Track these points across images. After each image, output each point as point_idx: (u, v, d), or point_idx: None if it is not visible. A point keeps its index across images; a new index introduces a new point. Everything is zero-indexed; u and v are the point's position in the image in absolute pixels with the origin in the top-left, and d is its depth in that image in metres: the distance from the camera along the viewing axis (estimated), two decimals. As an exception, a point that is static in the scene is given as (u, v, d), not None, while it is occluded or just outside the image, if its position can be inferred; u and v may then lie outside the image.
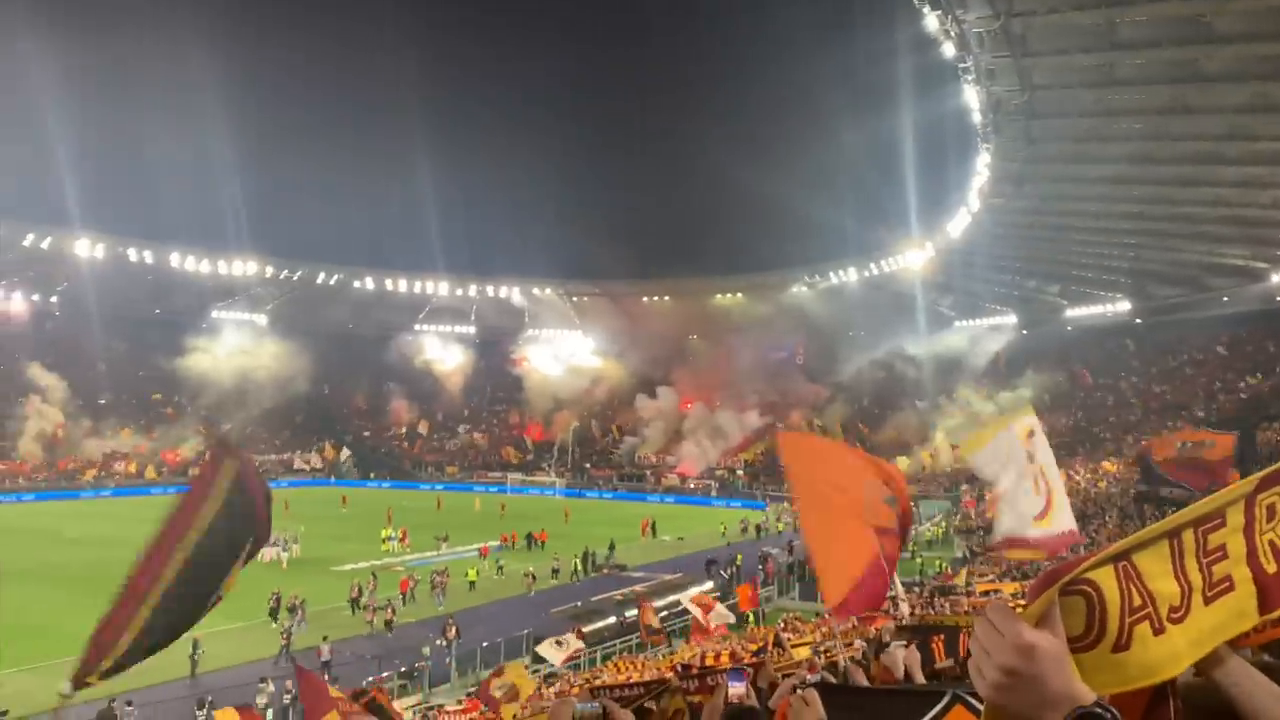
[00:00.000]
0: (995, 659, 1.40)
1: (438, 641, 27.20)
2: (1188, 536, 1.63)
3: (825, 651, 12.99)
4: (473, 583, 37.81)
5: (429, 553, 45.17)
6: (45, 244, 76.64)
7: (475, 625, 30.22)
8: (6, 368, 78.52)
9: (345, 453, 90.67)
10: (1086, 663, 1.49)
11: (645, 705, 5.92)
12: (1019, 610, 1.47)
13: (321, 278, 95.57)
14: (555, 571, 40.85)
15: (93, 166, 79.81)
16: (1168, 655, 1.54)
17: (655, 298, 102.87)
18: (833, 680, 6.68)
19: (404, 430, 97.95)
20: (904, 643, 6.64)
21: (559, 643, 22.27)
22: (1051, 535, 9.85)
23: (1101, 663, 1.51)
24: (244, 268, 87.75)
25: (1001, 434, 9.82)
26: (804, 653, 15.60)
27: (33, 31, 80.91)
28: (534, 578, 38.01)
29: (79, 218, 75.95)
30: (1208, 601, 1.61)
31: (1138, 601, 1.56)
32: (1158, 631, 1.55)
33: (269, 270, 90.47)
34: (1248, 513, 1.67)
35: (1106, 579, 1.56)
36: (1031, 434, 9.77)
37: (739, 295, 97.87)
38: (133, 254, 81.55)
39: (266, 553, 42.99)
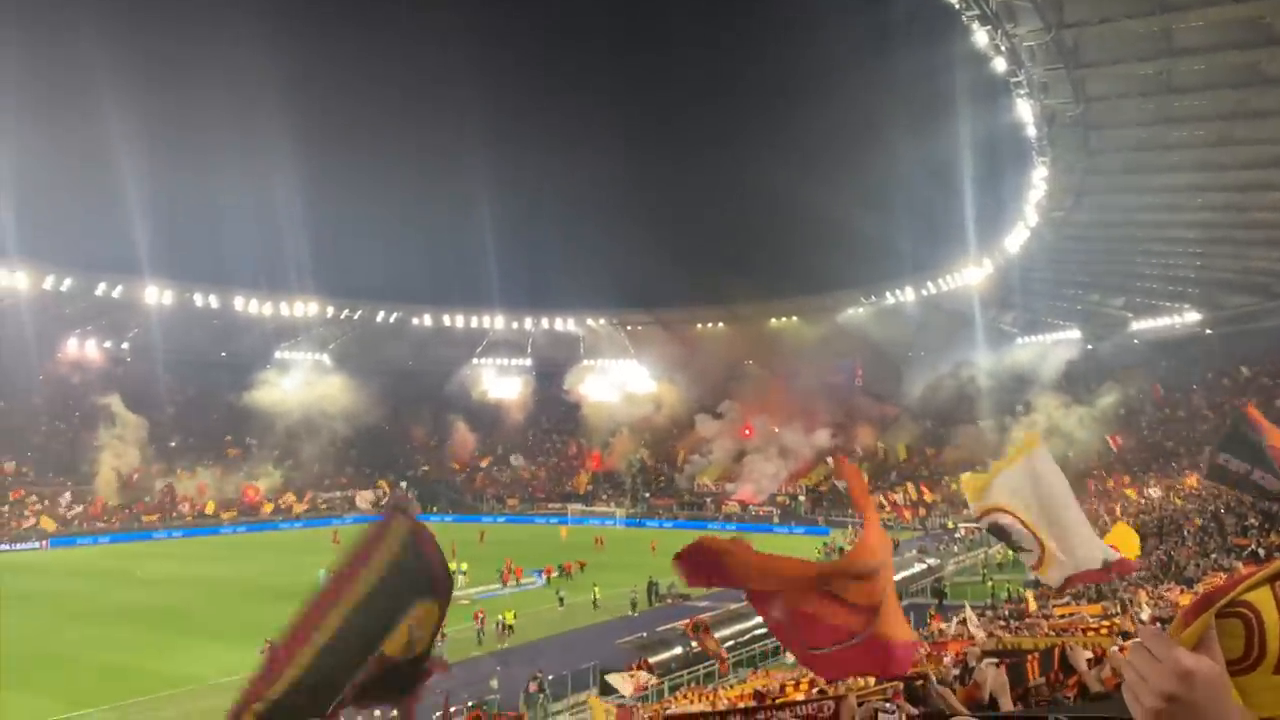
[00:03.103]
0: (1153, 685, 1.36)
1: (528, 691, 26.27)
2: None
3: (905, 677, 12.67)
4: (510, 626, 34.83)
5: (493, 585, 45.31)
6: (116, 292, 79.59)
7: (539, 658, 30.17)
8: (83, 413, 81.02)
9: (404, 486, 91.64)
10: (1247, 686, 1.45)
11: None
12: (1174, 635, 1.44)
13: (381, 316, 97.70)
14: (595, 603, 40.40)
15: (160, 216, 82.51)
16: None
17: (710, 324, 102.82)
18: (913, 709, 6.52)
19: (464, 463, 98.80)
20: (995, 661, 6.46)
21: (630, 675, 22.03)
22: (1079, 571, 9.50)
23: (1263, 685, 1.47)
24: (306, 309, 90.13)
25: (1005, 472, 9.50)
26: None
27: (100, 87, 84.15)
28: (504, 627, 34.64)
29: (147, 266, 78.95)
30: None
31: None
32: None
33: (330, 311, 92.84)
34: None
35: (1264, 600, 1.50)
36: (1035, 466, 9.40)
37: (794, 319, 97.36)
38: (199, 299, 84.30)
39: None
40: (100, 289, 78.56)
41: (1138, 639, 1.46)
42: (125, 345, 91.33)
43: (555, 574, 48.09)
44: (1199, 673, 1.35)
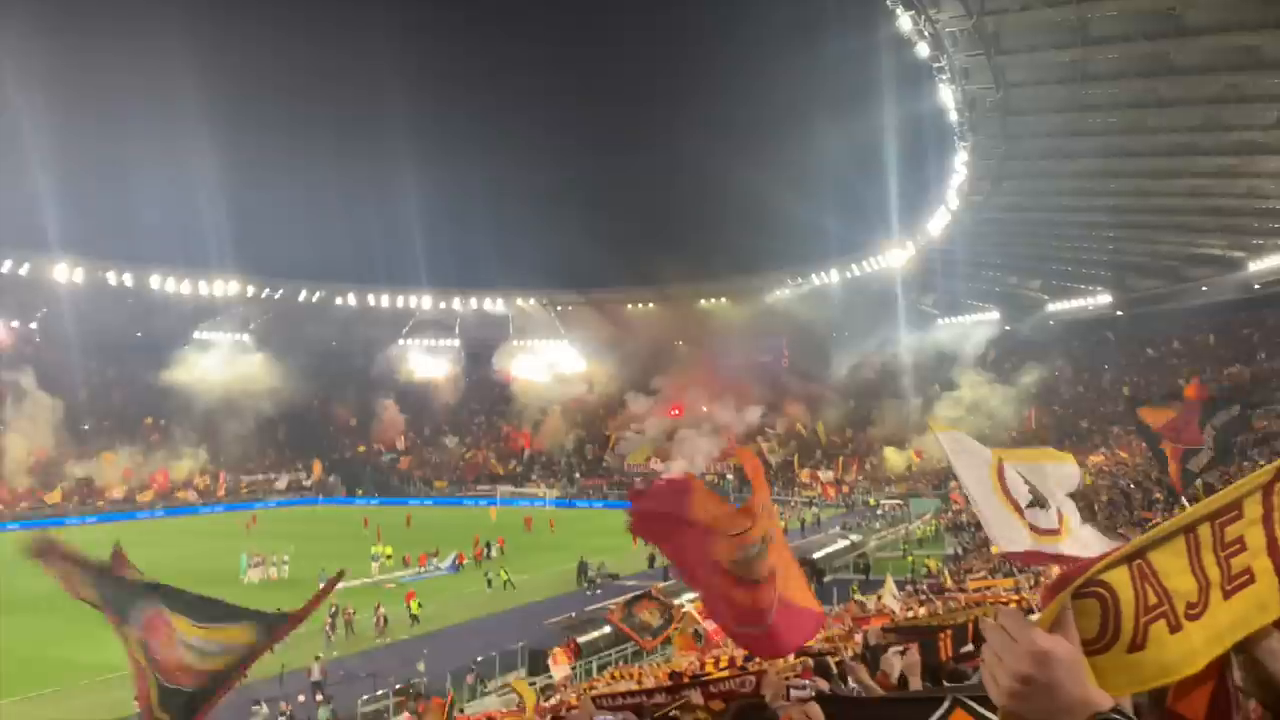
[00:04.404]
0: (1009, 666, 1.37)
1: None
2: (1204, 531, 1.60)
3: (817, 654, 12.95)
4: (415, 616, 33.67)
5: (420, 569, 44.86)
6: (23, 269, 76.19)
7: (470, 638, 30.10)
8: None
9: (319, 472, 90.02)
10: (1102, 665, 1.48)
11: (670, 715, 5.94)
12: (1032, 616, 1.45)
13: (303, 295, 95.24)
14: (489, 583, 40.08)
15: (70, 190, 79.06)
16: (1185, 653, 1.52)
17: (640, 305, 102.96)
18: (826, 684, 6.70)
19: (390, 446, 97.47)
20: (901, 648, 6.64)
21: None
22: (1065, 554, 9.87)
23: (1117, 664, 1.50)
24: (225, 288, 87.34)
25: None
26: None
27: (7, 54, 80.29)
28: (384, 620, 32.55)
29: (57, 242, 75.53)
30: (1227, 595, 1.58)
31: (1153, 600, 1.53)
32: (1174, 629, 1.53)
33: (250, 290, 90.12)
34: (1266, 503, 1.63)
35: (1120, 579, 1.54)
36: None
37: (723, 300, 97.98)
38: (112, 277, 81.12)
39: (253, 573, 42.52)
40: (6, 266, 75.04)
41: (997, 620, 1.46)
42: (34, 325, 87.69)
43: (467, 561, 46.48)
44: (1053, 653, 1.35)
